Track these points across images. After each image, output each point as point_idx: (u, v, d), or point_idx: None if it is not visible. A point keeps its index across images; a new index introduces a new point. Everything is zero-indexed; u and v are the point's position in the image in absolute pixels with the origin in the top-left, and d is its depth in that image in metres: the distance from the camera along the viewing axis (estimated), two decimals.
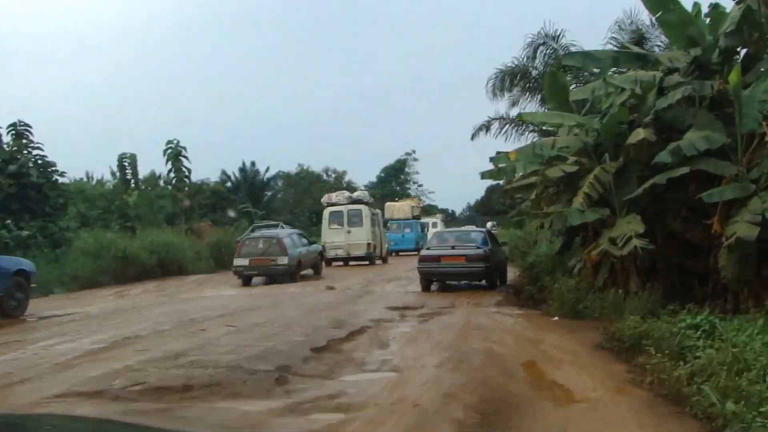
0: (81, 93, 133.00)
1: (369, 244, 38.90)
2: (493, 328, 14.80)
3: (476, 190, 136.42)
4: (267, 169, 78.59)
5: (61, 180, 36.15)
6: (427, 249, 24.08)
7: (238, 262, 28.88)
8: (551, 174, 17.65)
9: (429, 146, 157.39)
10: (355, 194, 42.66)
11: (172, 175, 43.57)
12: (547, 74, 21.38)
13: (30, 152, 34.58)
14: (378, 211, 43.44)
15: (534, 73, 27.79)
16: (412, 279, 26.00)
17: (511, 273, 26.36)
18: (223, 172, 75.24)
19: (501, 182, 21.27)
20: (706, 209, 14.93)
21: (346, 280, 27.63)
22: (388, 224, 52.08)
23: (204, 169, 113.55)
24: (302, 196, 76.47)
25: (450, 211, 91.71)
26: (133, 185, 44.14)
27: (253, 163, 77.35)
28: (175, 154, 43.00)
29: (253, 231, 35.48)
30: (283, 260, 28.45)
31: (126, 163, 43.72)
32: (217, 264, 37.75)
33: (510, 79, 28.15)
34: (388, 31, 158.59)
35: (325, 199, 41.95)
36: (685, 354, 10.22)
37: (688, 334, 11.06)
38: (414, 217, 54.71)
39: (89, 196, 42.71)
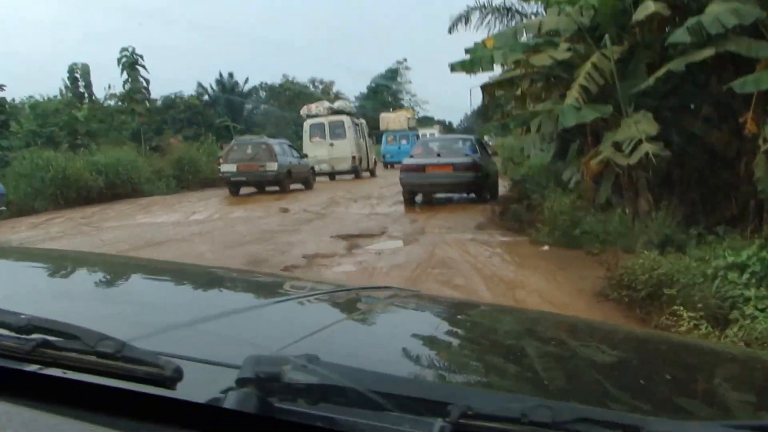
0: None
1: (354, 157, 36.84)
2: (460, 265, 11.65)
3: (474, 98, 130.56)
4: (246, 81, 73.82)
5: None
6: (411, 158, 22.16)
7: (225, 168, 27.86)
8: (537, 62, 14.07)
9: (421, 53, 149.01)
10: (336, 104, 40.55)
11: (128, 86, 39.53)
12: None
13: None
14: (362, 120, 41.01)
15: None
16: (386, 197, 24.06)
17: (503, 188, 23.41)
18: (199, 85, 70.47)
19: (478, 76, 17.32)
20: (735, 104, 12.09)
21: (309, 200, 24.49)
22: (384, 136, 52.16)
23: (177, 81, 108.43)
24: (287, 109, 72.18)
25: (447, 122, 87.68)
26: (87, 99, 39.95)
27: (230, 75, 72.68)
28: (130, 63, 39.09)
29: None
30: (273, 166, 27.32)
31: (77, 75, 39.43)
32: (179, 183, 34.81)
33: None
34: None
35: (304, 110, 39.71)
36: (730, 313, 6.68)
37: (730, 279, 7.50)
38: (410, 129, 52.65)
39: (42, 113, 38.72)
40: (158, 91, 61.68)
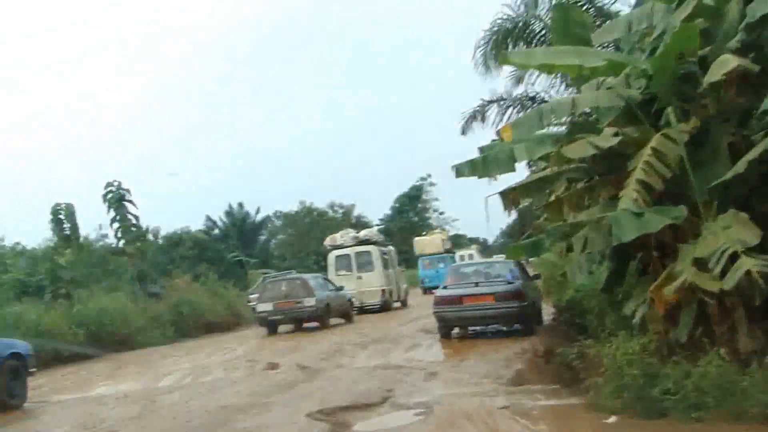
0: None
1: (383, 290, 34.60)
2: None
3: (497, 210, 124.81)
4: (258, 210, 71.15)
5: None
6: (444, 288, 19.75)
7: (261, 307, 27.48)
8: (574, 154, 10.24)
9: (446, 167, 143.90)
10: (362, 233, 38.39)
11: (116, 225, 36.05)
12: (554, 10, 14.04)
13: None
14: (391, 248, 39.17)
15: (538, 26, 19.86)
16: (405, 336, 21.35)
17: (547, 314, 20.69)
18: (208, 218, 67.84)
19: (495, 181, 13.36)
20: None
21: (311, 346, 20.94)
22: (420, 261, 51.75)
23: (185, 218, 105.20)
24: (305, 237, 68.92)
25: (481, 240, 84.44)
26: (74, 242, 36.25)
27: (240, 205, 69.91)
28: (116, 198, 35.66)
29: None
30: (310, 301, 26.54)
31: (62, 216, 35.86)
32: (177, 331, 31.20)
33: (504, 40, 20.21)
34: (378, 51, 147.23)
35: (328, 241, 37.82)
36: None
37: None
38: (446, 251, 52.40)
39: (31, 259, 35.40)
40: (165, 228, 59.29)
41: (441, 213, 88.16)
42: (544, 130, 11.36)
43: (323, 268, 39.20)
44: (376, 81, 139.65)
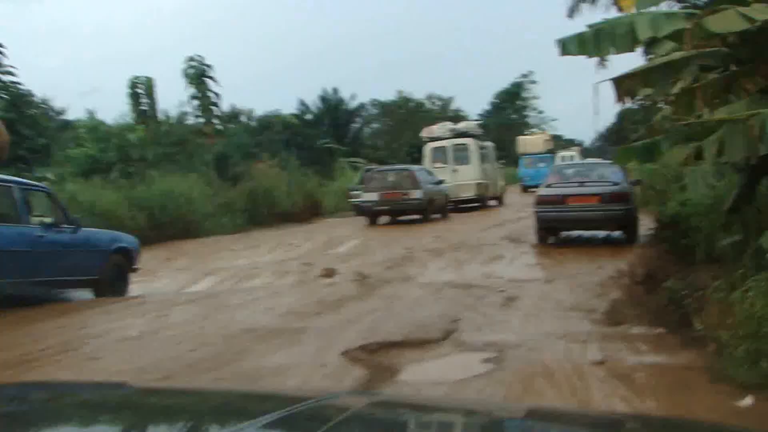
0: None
1: (479, 184, 33.74)
2: None
3: (606, 116, 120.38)
4: (353, 97, 67.90)
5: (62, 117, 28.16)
6: (547, 187, 18.98)
7: (366, 197, 27.66)
8: (719, 27, 7.58)
9: (549, 65, 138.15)
10: (461, 125, 37.58)
11: (195, 102, 34.06)
12: None
13: None
14: (490, 143, 38.01)
15: None
16: (487, 245, 18.90)
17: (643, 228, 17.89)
18: (301, 102, 65.06)
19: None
20: None
21: (374, 252, 18.64)
22: (521, 159, 51.44)
23: (277, 100, 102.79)
24: (400, 128, 66.23)
25: (577, 142, 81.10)
26: (151, 118, 34.41)
27: (335, 90, 66.70)
28: (197, 74, 33.86)
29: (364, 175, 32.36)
30: (417, 194, 26.79)
31: (140, 90, 34.12)
32: (250, 219, 29.75)
33: None
34: None
35: (425, 132, 36.92)
36: None
37: None
38: (548, 151, 52.03)
39: (103, 136, 33.53)
40: (259, 111, 57.67)
41: (540, 112, 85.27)
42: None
43: (416, 160, 37.82)
44: None
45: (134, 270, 15.00)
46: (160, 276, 16.30)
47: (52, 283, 13.15)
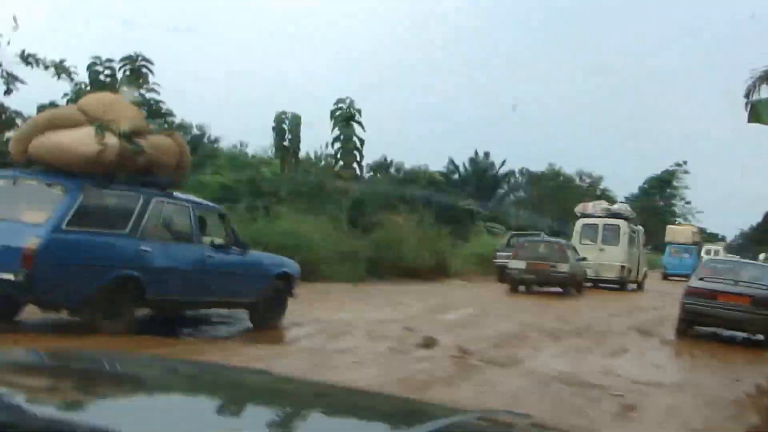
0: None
1: (623, 267, 33.37)
2: None
3: (752, 215, 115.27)
4: (503, 163, 68.17)
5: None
6: (700, 280, 18.32)
7: (514, 264, 27.64)
8: None
9: (703, 157, 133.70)
10: (615, 206, 38.34)
11: (337, 145, 33.47)
12: None
13: (142, 95, 25.70)
14: (640, 228, 37.94)
15: None
16: (613, 335, 17.33)
17: None
18: (450, 161, 65.70)
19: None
20: None
21: (486, 325, 17.19)
22: (668, 248, 52.02)
23: (425, 157, 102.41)
24: (546, 200, 65.51)
25: (719, 236, 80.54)
26: (292, 155, 33.96)
27: (486, 154, 67.21)
28: (345, 117, 33.09)
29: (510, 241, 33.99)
30: (564, 267, 27.03)
31: (285, 126, 33.68)
32: (371, 271, 28.50)
33: None
34: None
35: (579, 208, 37.31)
36: None
37: None
38: (694, 243, 52.95)
39: (241, 165, 33.33)
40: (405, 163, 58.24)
41: (687, 202, 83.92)
42: None
43: (556, 234, 38.77)
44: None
45: (293, 295, 15.16)
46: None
47: (216, 303, 14.09)
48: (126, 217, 11.73)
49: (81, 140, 11.54)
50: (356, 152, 33.88)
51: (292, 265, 15.61)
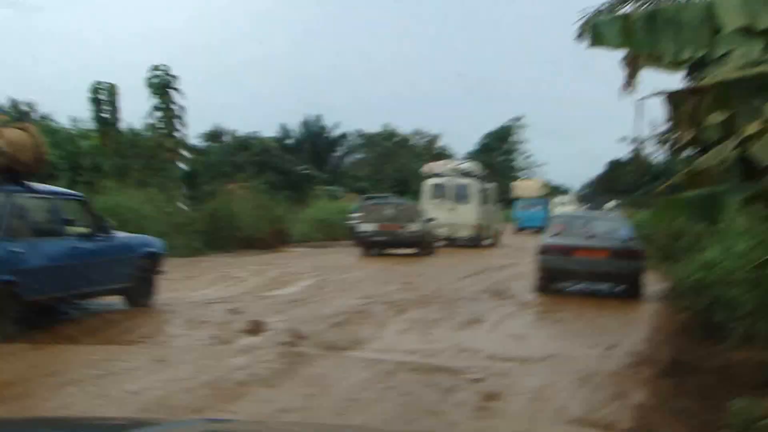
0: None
1: (477, 225, 33.81)
2: None
3: (595, 165, 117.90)
4: (336, 125, 67.56)
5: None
6: (554, 236, 18.44)
7: (364, 227, 28.25)
8: None
9: (539, 111, 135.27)
10: (465, 165, 37.91)
11: (158, 115, 31.59)
12: None
13: None
14: (491, 185, 38.19)
15: None
16: (464, 301, 15.96)
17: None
18: (282, 127, 64.71)
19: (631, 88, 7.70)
20: None
21: (326, 299, 15.84)
22: (516, 203, 53.66)
23: (259, 122, 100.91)
24: (384, 160, 65.31)
25: (564, 188, 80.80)
26: (110, 126, 31.74)
27: (318, 117, 66.53)
28: (161, 84, 31.40)
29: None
30: (414, 227, 27.81)
31: (102, 97, 31.38)
32: (208, 243, 27.50)
33: None
34: None
35: (426, 168, 37.44)
36: None
37: None
38: (541, 196, 54.86)
39: (61, 140, 31.01)
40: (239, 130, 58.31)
41: (528, 156, 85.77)
42: None
43: (398, 193, 39.36)
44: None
45: (159, 274, 15.00)
46: None
47: (89, 294, 13.43)
48: None
49: None
50: (176, 120, 32.01)
51: (157, 244, 15.55)
